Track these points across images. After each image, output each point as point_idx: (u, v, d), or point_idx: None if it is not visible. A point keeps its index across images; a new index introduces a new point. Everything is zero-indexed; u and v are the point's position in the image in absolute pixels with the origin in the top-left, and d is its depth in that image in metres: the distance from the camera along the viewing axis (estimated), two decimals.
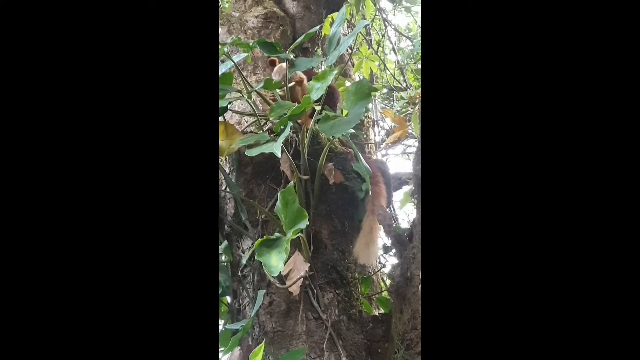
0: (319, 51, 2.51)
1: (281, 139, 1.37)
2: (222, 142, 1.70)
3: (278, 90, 1.80)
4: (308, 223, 1.36)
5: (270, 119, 1.55)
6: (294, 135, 1.74)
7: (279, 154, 1.34)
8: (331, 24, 2.55)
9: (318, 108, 1.57)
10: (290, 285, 1.55)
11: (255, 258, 1.36)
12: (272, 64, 1.91)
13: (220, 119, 1.70)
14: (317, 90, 1.51)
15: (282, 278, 1.57)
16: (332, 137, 1.69)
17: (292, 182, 1.38)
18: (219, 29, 2.21)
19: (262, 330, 1.61)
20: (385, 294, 1.90)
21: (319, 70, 2.03)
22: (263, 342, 1.20)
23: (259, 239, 1.38)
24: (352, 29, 3.37)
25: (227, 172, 1.80)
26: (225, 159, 1.82)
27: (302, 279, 1.55)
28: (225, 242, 1.62)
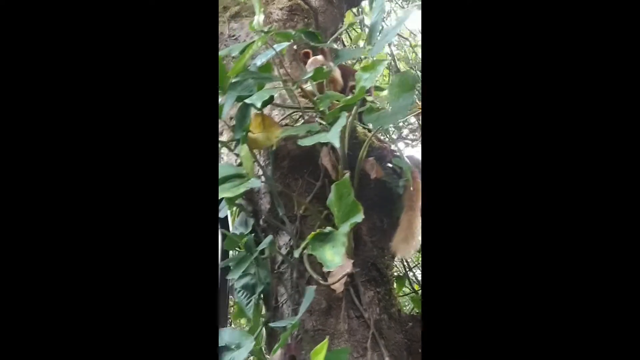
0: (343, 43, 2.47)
1: (337, 127, 1.32)
2: (259, 134, 1.64)
3: (312, 83, 1.75)
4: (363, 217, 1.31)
5: (320, 109, 1.50)
6: None
7: (337, 144, 1.29)
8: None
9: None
10: (334, 283, 1.51)
11: (309, 252, 1.30)
12: (306, 56, 1.87)
13: (257, 110, 1.64)
14: (366, 80, 1.46)
15: (323, 275, 1.53)
16: (370, 130, 1.65)
17: (347, 174, 1.33)
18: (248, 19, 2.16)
19: (302, 328, 1.56)
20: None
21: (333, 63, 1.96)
22: (326, 339, 1.14)
23: (312, 232, 1.33)
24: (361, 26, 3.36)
25: (262, 165, 1.74)
26: (260, 152, 1.76)
27: (346, 276, 1.51)
28: (270, 237, 1.56)
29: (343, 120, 1.34)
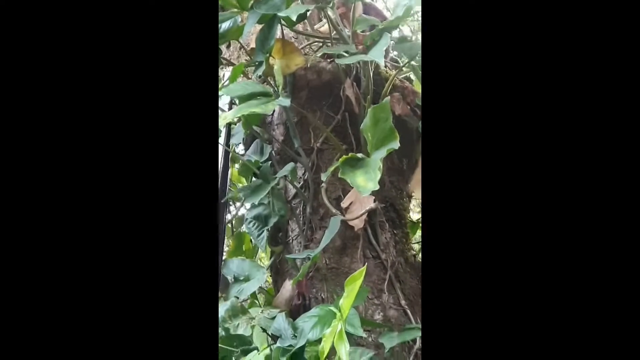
0: None
1: (381, 47, 1.23)
2: (278, 60, 1.53)
3: (335, 11, 1.64)
4: (399, 145, 1.22)
5: (358, 31, 1.40)
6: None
7: (382, 63, 1.20)
8: None
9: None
10: (354, 219, 1.42)
11: (339, 176, 1.21)
12: None
13: (279, 35, 1.53)
14: (403, 7, 1.37)
15: (341, 211, 1.44)
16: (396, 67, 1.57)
17: (387, 99, 1.24)
18: None
19: (313, 266, 1.47)
20: None
21: None
22: (365, 266, 1.06)
23: (343, 157, 1.24)
24: None
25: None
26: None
27: (366, 213, 1.43)
28: (292, 164, 1.46)
29: (386, 40, 1.25)
